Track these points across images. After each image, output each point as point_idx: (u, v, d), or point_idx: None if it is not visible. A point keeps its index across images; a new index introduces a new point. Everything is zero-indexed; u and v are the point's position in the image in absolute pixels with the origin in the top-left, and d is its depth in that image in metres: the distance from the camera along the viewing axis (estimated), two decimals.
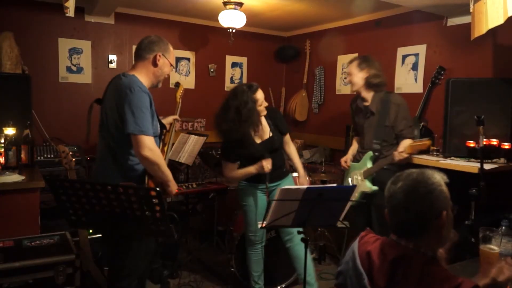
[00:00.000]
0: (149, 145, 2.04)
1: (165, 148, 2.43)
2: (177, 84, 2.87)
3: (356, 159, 3.07)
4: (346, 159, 3.10)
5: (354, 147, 3.19)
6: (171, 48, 2.34)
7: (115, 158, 2.15)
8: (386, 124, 2.86)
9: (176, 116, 2.75)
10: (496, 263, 1.44)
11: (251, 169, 2.66)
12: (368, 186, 2.86)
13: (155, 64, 2.24)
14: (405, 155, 2.63)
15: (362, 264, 1.25)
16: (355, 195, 2.85)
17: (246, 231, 2.88)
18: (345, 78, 3.68)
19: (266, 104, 2.67)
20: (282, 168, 2.85)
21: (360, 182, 2.93)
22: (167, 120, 2.68)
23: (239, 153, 2.71)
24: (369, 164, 2.89)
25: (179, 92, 2.83)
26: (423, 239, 1.22)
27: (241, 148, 2.67)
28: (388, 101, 2.86)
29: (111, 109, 2.13)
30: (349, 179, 3.07)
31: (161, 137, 2.37)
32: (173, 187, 2.20)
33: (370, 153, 2.90)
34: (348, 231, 3.27)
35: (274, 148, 2.75)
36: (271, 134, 2.74)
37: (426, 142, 2.54)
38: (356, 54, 4.43)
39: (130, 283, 2.19)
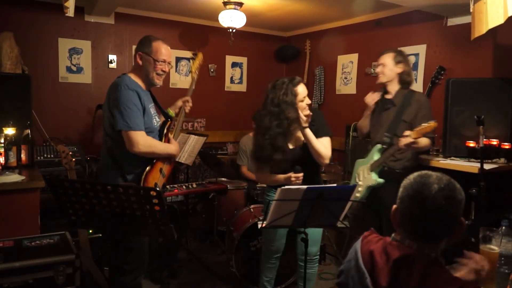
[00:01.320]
0: (139, 140, 2.11)
1: (171, 135, 2.45)
2: (195, 54, 2.63)
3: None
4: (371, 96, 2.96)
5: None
6: (155, 45, 2.28)
7: (114, 156, 2.21)
8: (403, 119, 2.75)
9: (187, 98, 2.63)
10: (473, 261, 1.45)
11: (281, 178, 2.41)
12: (373, 179, 2.75)
13: (139, 63, 2.29)
14: (411, 140, 2.47)
15: (365, 263, 1.24)
16: (361, 191, 2.79)
17: (265, 242, 2.72)
18: (373, 69, 3.13)
19: (309, 101, 2.40)
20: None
21: (366, 176, 2.83)
22: (176, 105, 2.65)
23: (270, 155, 2.40)
24: (376, 157, 2.78)
25: (196, 64, 2.60)
26: (439, 243, 1.22)
27: (272, 150, 2.38)
28: (411, 97, 2.79)
29: (105, 109, 2.24)
30: (356, 176, 2.96)
31: (164, 127, 2.38)
32: (175, 151, 2.38)
33: (378, 145, 2.79)
34: (356, 230, 3.21)
35: (307, 159, 2.43)
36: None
37: (431, 123, 2.40)
38: (356, 54, 4.44)
39: (135, 277, 2.23)
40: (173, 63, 4.66)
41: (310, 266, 2.62)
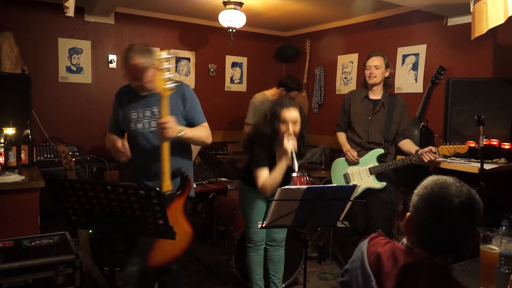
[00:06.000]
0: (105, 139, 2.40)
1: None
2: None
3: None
4: (354, 153, 3.01)
5: (346, 141, 3.14)
6: (127, 60, 2.16)
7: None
8: (393, 121, 2.95)
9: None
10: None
11: (281, 163, 2.30)
12: (376, 182, 2.95)
13: None
14: (438, 157, 2.67)
15: (371, 265, 1.22)
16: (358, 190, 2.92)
17: (247, 232, 2.85)
18: (370, 71, 2.95)
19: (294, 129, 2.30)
20: None
21: (364, 177, 2.98)
22: None
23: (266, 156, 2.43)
24: (376, 162, 2.95)
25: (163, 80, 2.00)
26: (452, 254, 1.18)
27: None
28: (394, 100, 2.99)
29: None
30: (347, 173, 3.07)
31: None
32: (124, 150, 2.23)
33: (381, 150, 2.94)
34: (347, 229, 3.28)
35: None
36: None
37: (465, 147, 2.62)
38: (356, 54, 4.44)
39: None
40: (173, 63, 4.65)
41: (278, 249, 2.79)
